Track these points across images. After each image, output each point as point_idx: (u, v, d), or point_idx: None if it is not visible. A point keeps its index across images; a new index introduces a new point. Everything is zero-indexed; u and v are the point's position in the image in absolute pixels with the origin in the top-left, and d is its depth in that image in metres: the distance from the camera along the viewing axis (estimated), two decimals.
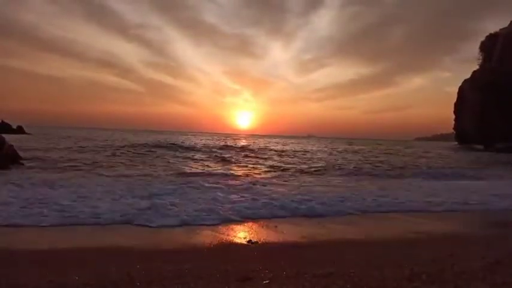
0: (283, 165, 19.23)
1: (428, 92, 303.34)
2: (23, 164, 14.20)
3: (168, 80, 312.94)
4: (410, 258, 4.07)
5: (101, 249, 4.86)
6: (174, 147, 28.04)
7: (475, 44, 78.39)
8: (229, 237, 5.71)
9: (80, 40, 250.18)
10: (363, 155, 30.42)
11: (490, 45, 66.37)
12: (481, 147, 54.03)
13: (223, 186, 10.68)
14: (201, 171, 15.15)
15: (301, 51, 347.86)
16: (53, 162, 15.63)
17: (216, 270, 3.52)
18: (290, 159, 24.36)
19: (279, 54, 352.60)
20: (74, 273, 3.37)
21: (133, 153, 22.14)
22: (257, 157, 24.22)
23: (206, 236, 5.65)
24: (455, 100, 74.48)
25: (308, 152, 32.52)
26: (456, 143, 73.47)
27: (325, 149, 40.59)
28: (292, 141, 71.16)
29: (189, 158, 21.26)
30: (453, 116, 75.38)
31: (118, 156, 20.16)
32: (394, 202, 9.14)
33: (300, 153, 30.33)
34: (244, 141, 55.06)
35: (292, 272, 3.46)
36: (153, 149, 24.97)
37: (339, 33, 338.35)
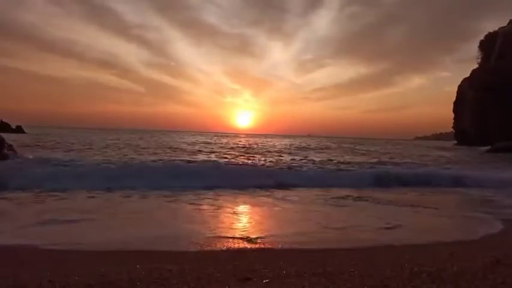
0: None
1: (428, 91, 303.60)
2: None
3: (168, 80, 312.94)
4: (410, 258, 4.07)
5: (101, 248, 4.85)
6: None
7: (475, 44, 78.66)
8: (230, 235, 5.71)
9: (80, 40, 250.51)
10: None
11: (489, 44, 66.48)
12: (481, 146, 54.01)
13: None
14: None
15: (301, 51, 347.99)
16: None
17: (216, 270, 3.52)
18: None
19: (279, 54, 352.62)
20: (74, 273, 3.37)
21: None
22: None
23: (206, 235, 5.65)
24: (454, 99, 74.58)
25: None
26: (455, 141, 73.53)
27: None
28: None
29: None
30: (452, 115, 75.51)
31: None
32: None
33: None
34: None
35: (292, 271, 3.46)
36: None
37: (338, 34, 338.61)
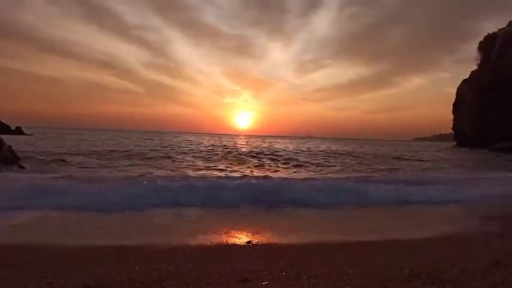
0: None
1: (428, 92, 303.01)
2: (23, 167, 14.03)
3: (167, 80, 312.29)
4: (410, 259, 4.07)
5: (101, 249, 4.85)
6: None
7: (474, 45, 78.78)
8: (229, 237, 5.71)
9: (80, 41, 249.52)
10: None
11: (488, 45, 66.58)
12: (480, 147, 54.01)
13: None
14: None
15: (301, 52, 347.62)
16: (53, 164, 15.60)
17: (215, 271, 3.52)
18: None
19: (278, 55, 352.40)
20: (74, 274, 3.37)
21: None
22: None
23: (205, 236, 5.65)
24: (454, 100, 74.65)
25: None
26: (455, 143, 73.65)
27: None
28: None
29: None
30: (452, 116, 75.59)
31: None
32: None
33: None
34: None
35: (291, 272, 3.46)
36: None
37: (338, 34, 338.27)
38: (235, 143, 48.37)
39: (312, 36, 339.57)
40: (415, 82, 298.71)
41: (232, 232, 6.13)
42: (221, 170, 16.34)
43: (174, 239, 5.55)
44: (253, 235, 5.86)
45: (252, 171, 16.98)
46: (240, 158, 23.22)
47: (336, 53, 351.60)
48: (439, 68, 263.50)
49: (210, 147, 32.77)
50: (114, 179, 11.13)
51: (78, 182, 10.13)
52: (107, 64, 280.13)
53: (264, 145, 43.27)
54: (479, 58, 70.45)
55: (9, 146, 14.63)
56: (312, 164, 21.36)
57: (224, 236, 5.80)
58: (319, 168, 19.27)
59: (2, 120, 48.47)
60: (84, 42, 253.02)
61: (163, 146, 31.47)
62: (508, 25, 65.83)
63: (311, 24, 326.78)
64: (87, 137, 48.08)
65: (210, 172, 15.45)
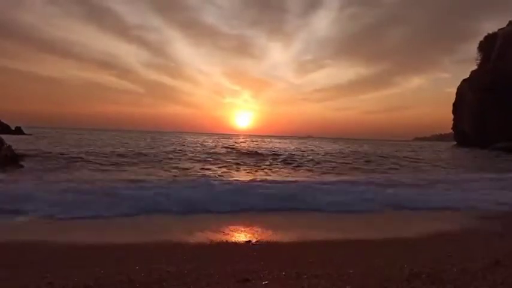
0: None
1: (428, 92, 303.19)
2: (22, 166, 14.09)
3: (167, 80, 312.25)
4: (410, 258, 4.07)
5: (101, 249, 4.85)
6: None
7: (474, 45, 78.68)
8: (229, 237, 5.71)
9: (80, 41, 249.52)
10: None
11: (488, 45, 66.50)
12: (480, 147, 53.98)
13: None
14: None
15: (301, 52, 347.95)
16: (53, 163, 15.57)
17: (215, 271, 3.52)
18: None
19: (278, 55, 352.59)
20: (74, 274, 3.37)
21: None
22: None
23: (205, 236, 5.65)
24: (454, 100, 74.68)
25: None
26: (455, 143, 73.76)
27: None
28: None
29: None
30: (452, 116, 75.62)
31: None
32: None
33: None
34: None
35: (291, 272, 3.46)
36: None
37: (338, 34, 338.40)
38: (235, 143, 48.14)
39: (312, 36, 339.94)
40: (415, 82, 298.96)
41: (232, 232, 6.13)
42: (221, 170, 16.33)
43: (173, 238, 5.54)
44: (253, 235, 5.87)
45: (251, 171, 17.00)
46: (239, 158, 23.15)
47: (336, 53, 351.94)
48: (439, 68, 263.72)
49: (209, 147, 32.71)
50: (113, 180, 11.17)
51: (78, 182, 10.15)
52: (107, 64, 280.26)
53: (264, 145, 43.00)
54: (479, 58, 70.37)
55: (9, 146, 14.65)
56: (312, 164, 21.32)
57: (224, 236, 5.79)
58: (319, 168, 19.26)
59: (2, 120, 48.40)
60: (84, 42, 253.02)
61: (163, 146, 31.36)
62: (508, 25, 65.78)
63: (311, 24, 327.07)
64: (87, 136, 48.04)
65: (210, 172, 15.43)
